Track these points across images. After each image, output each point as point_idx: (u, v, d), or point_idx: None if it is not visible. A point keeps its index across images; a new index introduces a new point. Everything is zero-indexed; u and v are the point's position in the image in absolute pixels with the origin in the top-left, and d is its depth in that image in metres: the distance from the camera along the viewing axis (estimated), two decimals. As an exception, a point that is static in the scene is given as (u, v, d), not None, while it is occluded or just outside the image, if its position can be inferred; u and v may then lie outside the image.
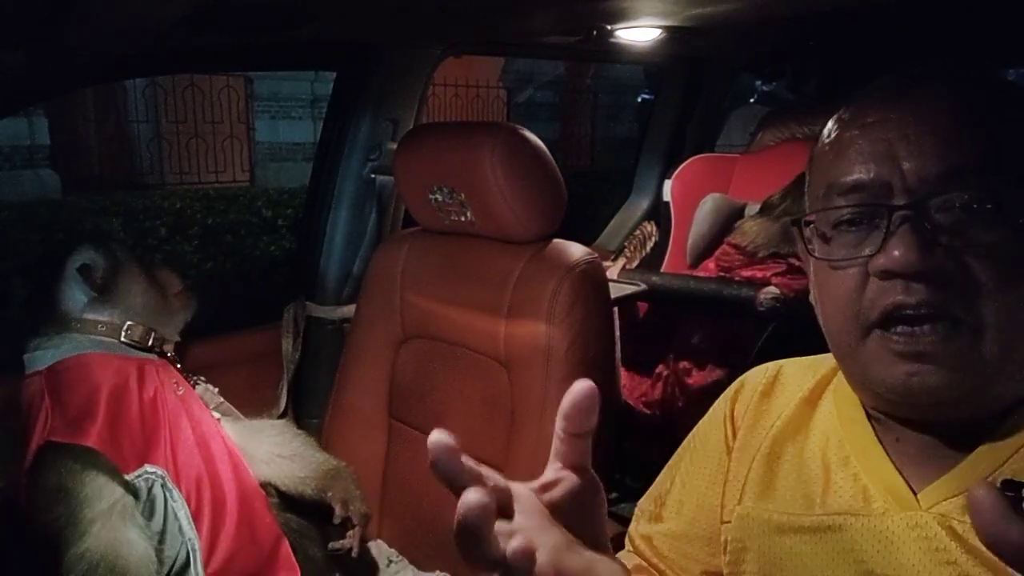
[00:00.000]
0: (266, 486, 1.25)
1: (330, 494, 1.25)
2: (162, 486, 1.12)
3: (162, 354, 1.27)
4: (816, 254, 0.59)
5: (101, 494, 1.06)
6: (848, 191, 0.56)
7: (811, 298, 0.64)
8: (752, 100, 2.57)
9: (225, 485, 1.17)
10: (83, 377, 1.14)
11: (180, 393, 1.23)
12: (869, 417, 0.62)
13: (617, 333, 1.88)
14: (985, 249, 0.52)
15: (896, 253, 0.52)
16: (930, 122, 0.54)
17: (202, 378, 1.31)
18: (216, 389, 1.32)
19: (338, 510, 1.24)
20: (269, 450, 1.27)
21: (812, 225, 0.60)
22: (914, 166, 0.53)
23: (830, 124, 0.61)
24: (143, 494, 1.10)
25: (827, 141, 0.60)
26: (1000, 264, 0.52)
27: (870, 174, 0.55)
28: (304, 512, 1.27)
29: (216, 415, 1.27)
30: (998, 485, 0.53)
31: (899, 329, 0.54)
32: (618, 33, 1.55)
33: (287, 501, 1.26)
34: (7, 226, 4.85)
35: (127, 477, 1.09)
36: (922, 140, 0.54)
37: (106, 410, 1.11)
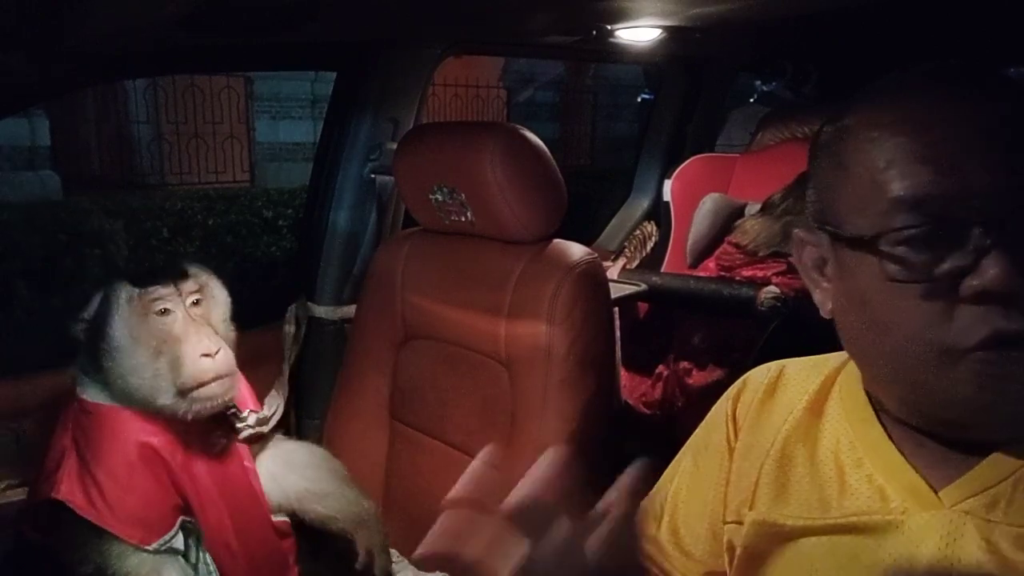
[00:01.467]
0: (290, 514, 1.24)
1: (356, 538, 1.23)
2: (196, 540, 1.11)
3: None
4: (893, 276, 0.53)
5: (129, 554, 1.06)
6: (913, 206, 0.51)
7: (826, 314, 0.60)
8: (752, 100, 2.56)
9: (255, 548, 1.15)
10: (105, 435, 1.08)
11: (216, 451, 1.15)
12: (878, 417, 0.62)
13: (617, 333, 1.88)
14: None
15: (993, 272, 0.48)
16: (989, 129, 0.51)
17: (248, 412, 1.21)
18: (268, 414, 1.24)
19: (361, 556, 1.22)
20: (300, 485, 1.24)
21: (868, 243, 0.53)
22: (984, 177, 0.50)
23: (854, 122, 0.56)
24: (180, 544, 1.10)
25: (860, 143, 0.55)
26: None
27: (939, 187, 0.50)
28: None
29: (254, 448, 1.23)
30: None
31: (1002, 352, 0.50)
32: (618, 33, 1.55)
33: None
34: (8, 227, 4.84)
35: (153, 545, 1.06)
36: (989, 150, 0.50)
37: (121, 481, 1.06)
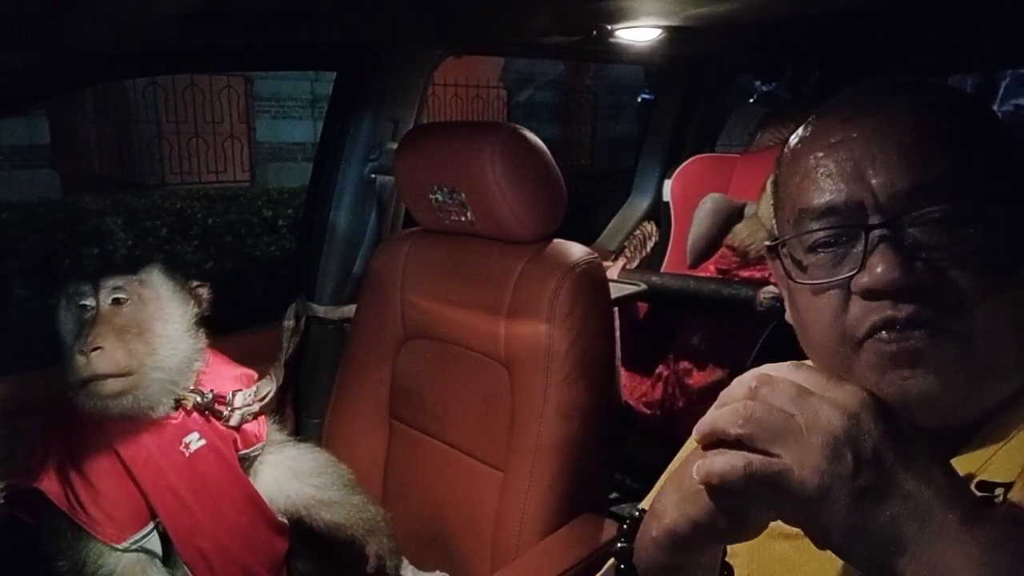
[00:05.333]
0: (296, 522, 1.24)
1: (367, 545, 1.23)
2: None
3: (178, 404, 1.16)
4: (795, 279, 0.59)
5: (105, 554, 1.07)
6: (821, 214, 0.56)
7: (787, 318, 0.64)
8: (752, 100, 2.57)
9: (236, 549, 1.15)
10: (76, 433, 1.10)
11: (190, 453, 1.14)
12: None
13: (617, 333, 1.88)
14: (963, 260, 0.52)
15: (878, 271, 0.52)
16: (894, 138, 0.54)
17: (231, 394, 1.21)
18: (257, 395, 1.24)
19: (372, 560, 1.23)
20: (307, 493, 1.25)
21: (786, 249, 0.60)
22: (883, 183, 0.54)
23: (792, 144, 0.61)
24: (155, 546, 1.10)
25: (791, 163, 0.60)
26: (980, 272, 0.52)
27: (842, 196, 0.55)
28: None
29: (257, 448, 1.23)
30: (973, 486, 0.54)
31: (893, 336, 0.53)
32: (618, 33, 1.55)
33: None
34: (7, 226, 4.83)
35: (124, 544, 1.08)
36: (888, 157, 0.54)
37: (90, 479, 1.07)
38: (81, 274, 1.14)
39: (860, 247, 0.54)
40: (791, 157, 0.61)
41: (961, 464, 0.55)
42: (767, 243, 0.64)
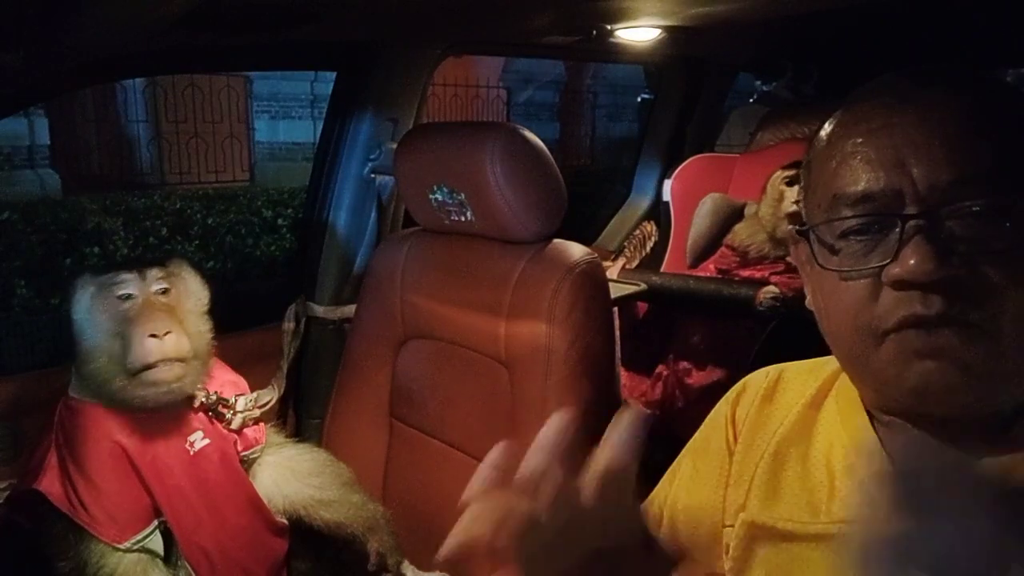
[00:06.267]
0: (296, 521, 1.24)
1: (368, 543, 1.24)
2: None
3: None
4: (824, 264, 0.58)
5: (107, 554, 1.07)
6: (857, 201, 0.55)
7: (808, 304, 0.63)
8: (752, 100, 2.56)
9: (237, 549, 1.15)
10: (79, 432, 1.09)
11: (194, 451, 1.14)
12: (873, 421, 0.62)
13: (617, 333, 1.88)
14: (999, 256, 0.51)
15: (912, 263, 0.51)
16: (938, 128, 0.53)
17: (234, 397, 1.22)
18: (259, 401, 1.25)
19: (372, 558, 1.23)
20: (305, 492, 1.25)
21: (815, 234, 0.58)
22: (924, 173, 0.52)
23: (828, 128, 0.60)
24: (157, 546, 1.10)
25: (827, 147, 0.59)
26: (1013, 268, 0.51)
27: (880, 183, 0.54)
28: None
29: (256, 452, 1.24)
30: (1009, 489, 0.53)
31: (920, 331, 0.52)
32: (618, 33, 1.55)
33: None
34: (8, 226, 4.83)
35: (125, 544, 1.08)
36: (931, 147, 0.53)
37: (93, 478, 1.07)
38: (117, 264, 1.14)
39: (895, 237, 0.53)
40: (827, 141, 0.59)
41: (992, 464, 0.54)
42: (796, 228, 0.62)
